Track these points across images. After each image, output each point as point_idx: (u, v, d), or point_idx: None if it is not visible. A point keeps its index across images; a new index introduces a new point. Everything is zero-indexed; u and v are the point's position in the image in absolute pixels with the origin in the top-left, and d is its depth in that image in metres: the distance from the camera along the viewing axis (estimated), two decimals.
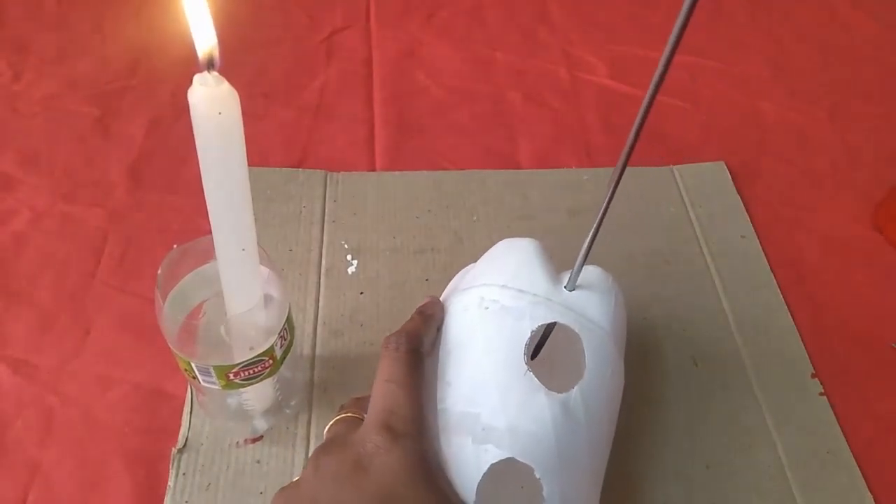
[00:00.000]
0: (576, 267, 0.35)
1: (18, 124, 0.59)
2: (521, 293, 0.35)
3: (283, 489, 0.31)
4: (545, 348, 0.37)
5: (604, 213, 0.31)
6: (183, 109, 0.25)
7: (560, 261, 0.37)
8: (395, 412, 0.31)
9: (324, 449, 0.31)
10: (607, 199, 0.30)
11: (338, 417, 0.35)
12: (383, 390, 0.32)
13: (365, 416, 0.32)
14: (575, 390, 0.33)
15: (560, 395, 0.32)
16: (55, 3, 0.71)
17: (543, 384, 0.33)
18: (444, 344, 0.36)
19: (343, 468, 0.29)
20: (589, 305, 0.35)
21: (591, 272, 0.38)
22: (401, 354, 0.33)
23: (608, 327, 0.35)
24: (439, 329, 0.36)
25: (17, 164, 0.56)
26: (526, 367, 0.33)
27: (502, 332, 0.34)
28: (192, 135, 0.26)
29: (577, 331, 0.34)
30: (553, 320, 0.34)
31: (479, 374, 0.33)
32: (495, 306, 0.35)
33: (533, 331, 0.34)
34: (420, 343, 0.34)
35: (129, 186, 0.55)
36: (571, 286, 0.36)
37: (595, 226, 0.32)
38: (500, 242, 0.40)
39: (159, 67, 0.65)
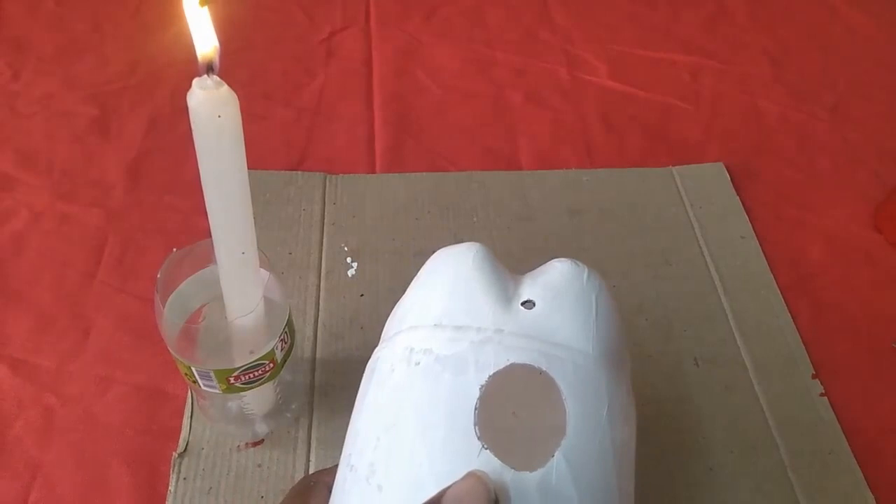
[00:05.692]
0: (531, 274, 0.27)
1: (17, 124, 0.59)
2: (460, 331, 0.26)
3: None
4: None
5: None
6: (182, 110, 0.25)
7: None
8: None
9: None
10: None
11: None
12: None
13: None
14: (556, 458, 0.24)
15: (536, 471, 0.23)
16: (54, 2, 0.71)
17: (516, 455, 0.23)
18: (371, 427, 0.26)
19: None
20: (558, 323, 0.27)
21: (556, 270, 0.29)
22: None
23: (591, 348, 0.26)
24: None
25: (15, 163, 0.56)
26: (479, 443, 0.24)
27: (439, 399, 0.25)
28: (192, 135, 0.26)
29: (545, 368, 0.25)
30: (509, 363, 0.25)
31: (415, 469, 0.24)
32: (427, 359, 0.26)
33: (482, 385, 0.25)
34: None
35: (127, 186, 0.55)
36: (529, 301, 0.27)
37: None
38: (434, 256, 0.31)
39: (159, 67, 0.65)
